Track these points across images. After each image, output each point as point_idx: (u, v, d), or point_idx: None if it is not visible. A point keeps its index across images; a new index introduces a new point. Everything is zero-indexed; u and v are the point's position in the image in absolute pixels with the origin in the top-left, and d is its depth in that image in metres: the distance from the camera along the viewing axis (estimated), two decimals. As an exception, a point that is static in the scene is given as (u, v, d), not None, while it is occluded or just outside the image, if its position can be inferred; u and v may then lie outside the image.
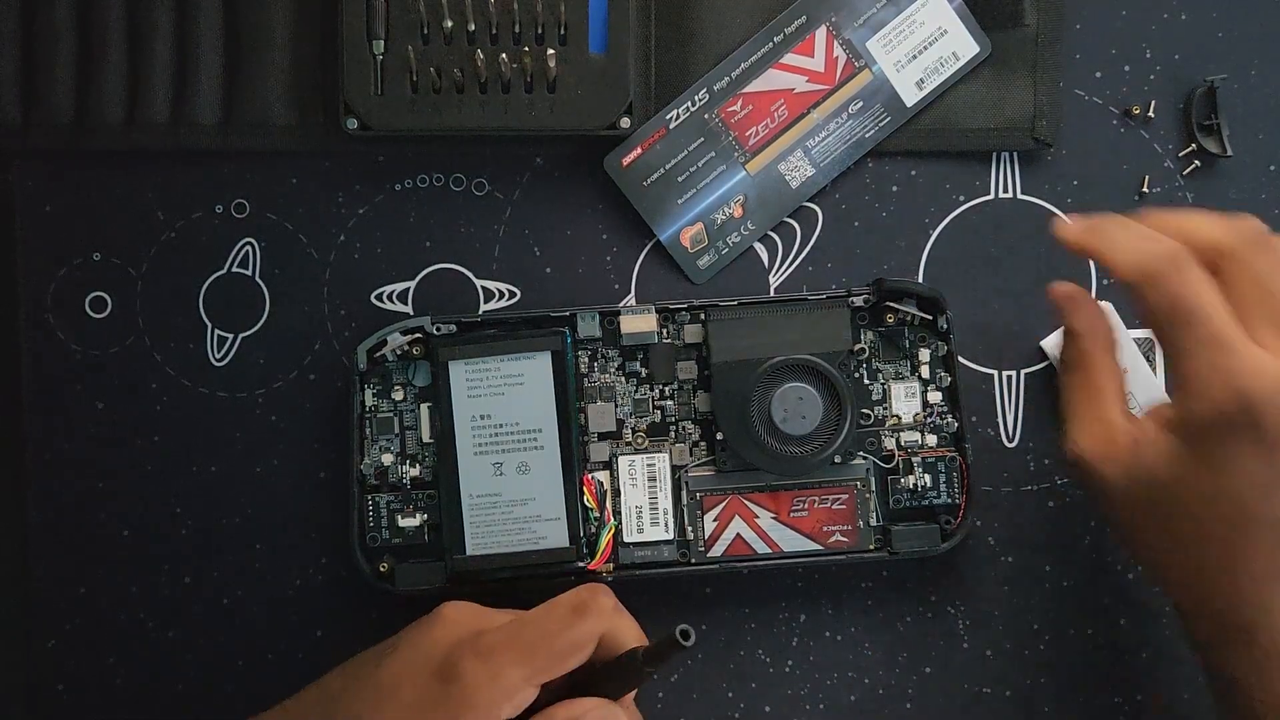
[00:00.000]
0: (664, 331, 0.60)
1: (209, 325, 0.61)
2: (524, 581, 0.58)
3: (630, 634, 0.54)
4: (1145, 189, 0.62)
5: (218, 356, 0.61)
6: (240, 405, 0.61)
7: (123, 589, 0.60)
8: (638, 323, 0.59)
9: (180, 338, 0.61)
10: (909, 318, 0.60)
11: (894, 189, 0.62)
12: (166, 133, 0.60)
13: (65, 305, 0.61)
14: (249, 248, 0.61)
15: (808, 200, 0.62)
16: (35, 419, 0.61)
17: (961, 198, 0.62)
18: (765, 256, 0.62)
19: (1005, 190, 0.62)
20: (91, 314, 0.61)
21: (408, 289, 0.62)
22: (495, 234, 0.62)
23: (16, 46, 0.60)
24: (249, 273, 0.61)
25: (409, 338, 0.59)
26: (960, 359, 0.61)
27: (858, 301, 0.59)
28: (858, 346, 0.60)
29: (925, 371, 0.60)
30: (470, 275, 0.62)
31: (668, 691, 0.62)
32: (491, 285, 0.62)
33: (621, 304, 0.61)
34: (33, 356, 0.61)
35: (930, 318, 0.60)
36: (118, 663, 0.61)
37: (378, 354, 0.59)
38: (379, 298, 0.61)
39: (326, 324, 0.61)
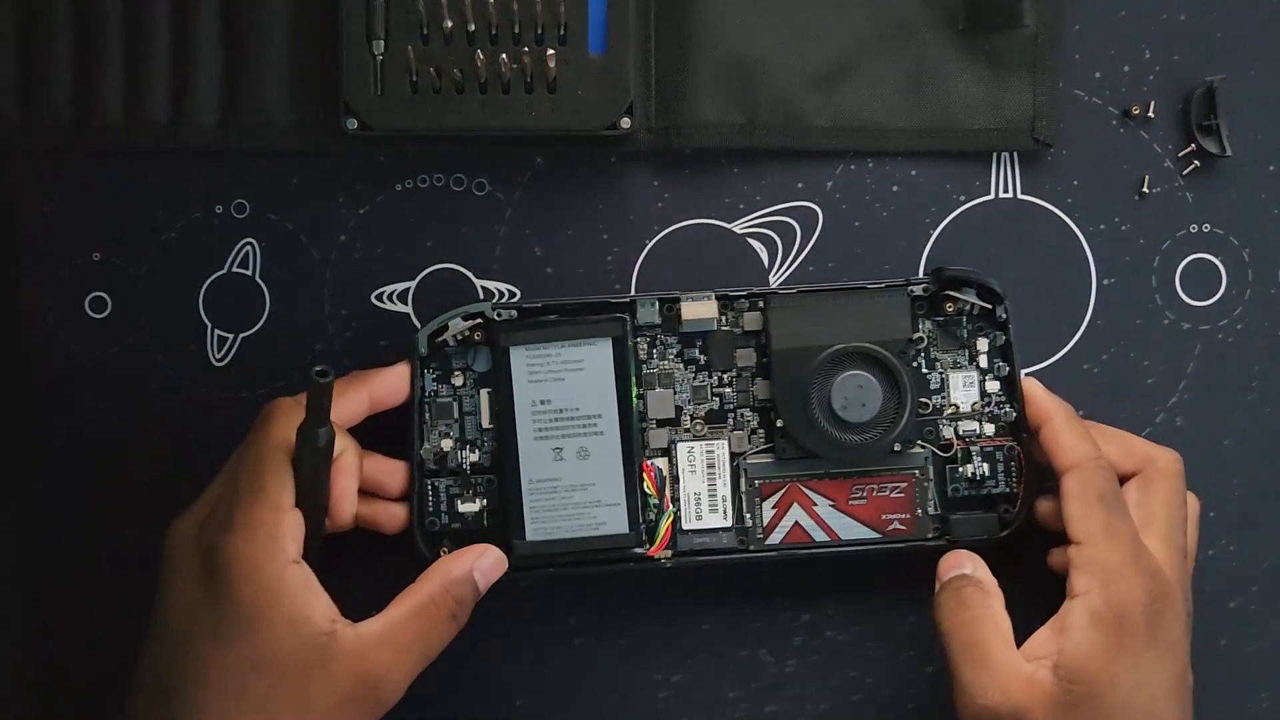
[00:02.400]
0: (723, 318, 0.60)
1: (209, 325, 0.61)
2: (583, 568, 0.58)
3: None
4: (1145, 189, 0.62)
5: (218, 356, 0.61)
6: (240, 405, 0.61)
7: (124, 590, 0.60)
8: (698, 309, 0.59)
9: (180, 338, 0.61)
10: (968, 307, 0.60)
11: (894, 189, 0.62)
12: (166, 132, 0.60)
13: (65, 305, 0.61)
14: (249, 248, 0.61)
15: (808, 200, 0.62)
16: (35, 419, 0.61)
17: (961, 198, 0.62)
18: (765, 256, 0.62)
19: (1005, 190, 0.62)
20: (91, 314, 0.61)
21: (408, 289, 0.61)
22: (495, 234, 0.62)
23: (16, 46, 0.60)
24: (249, 273, 0.61)
25: (470, 323, 0.59)
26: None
27: (917, 290, 0.59)
28: (916, 335, 0.60)
29: (983, 361, 0.60)
30: (470, 275, 0.62)
31: (669, 691, 0.62)
32: (491, 285, 0.62)
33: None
34: (33, 356, 0.61)
35: (989, 307, 0.60)
36: (119, 664, 0.60)
37: (439, 339, 0.59)
38: (379, 298, 0.61)
39: (326, 324, 0.61)
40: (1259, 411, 0.62)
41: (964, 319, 0.60)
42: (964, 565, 0.57)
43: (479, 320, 0.59)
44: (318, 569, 0.54)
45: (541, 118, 0.59)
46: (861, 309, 0.59)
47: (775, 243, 0.62)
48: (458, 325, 0.59)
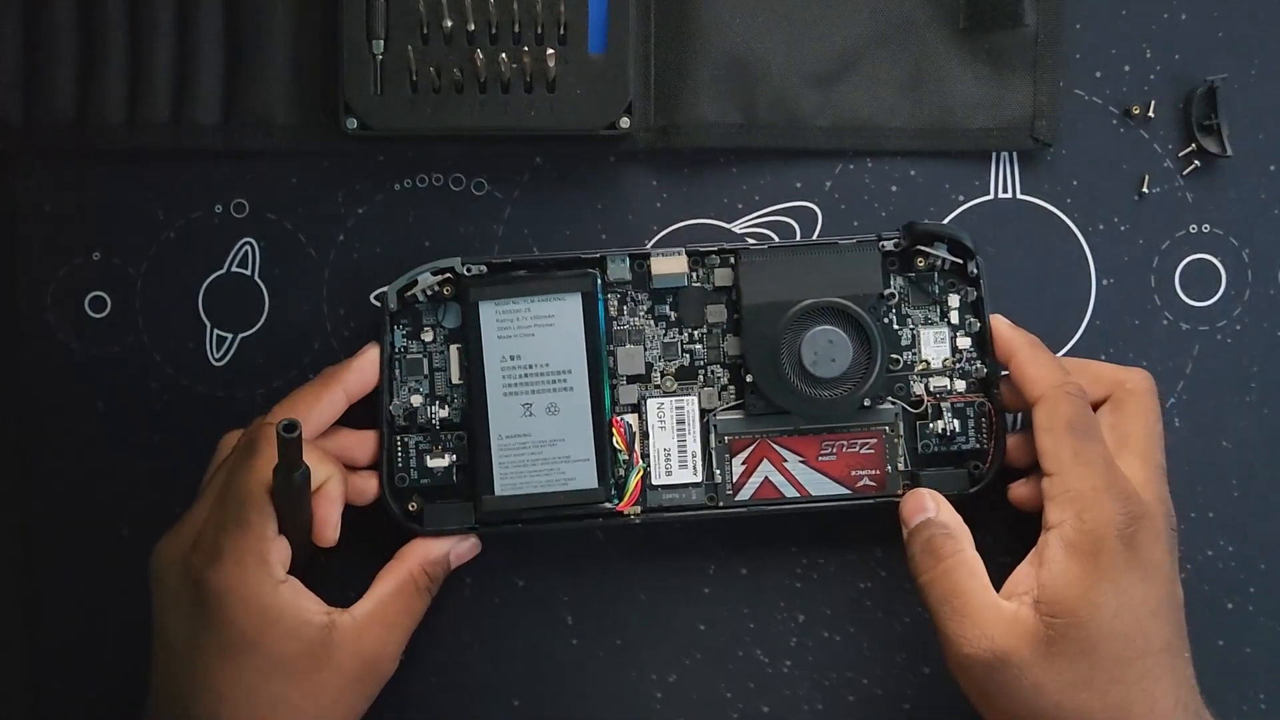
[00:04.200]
0: (694, 275, 0.60)
1: (209, 325, 0.61)
2: (552, 523, 0.58)
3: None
4: (1145, 189, 0.62)
5: (217, 356, 0.61)
6: (240, 405, 0.61)
7: (123, 588, 0.60)
8: (668, 264, 0.59)
9: (180, 338, 0.61)
10: (939, 262, 0.59)
11: (893, 189, 0.62)
12: (167, 132, 0.60)
13: (65, 305, 0.61)
14: (249, 248, 0.61)
15: (807, 200, 0.62)
16: (35, 419, 0.61)
17: (961, 198, 0.62)
18: (765, 256, 0.62)
19: (1005, 190, 0.62)
20: (91, 314, 0.61)
21: (407, 289, 0.62)
22: (495, 234, 0.62)
23: (17, 46, 0.60)
24: (249, 273, 0.61)
25: (439, 278, 0.59)
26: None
27: (888, 246, 0.59)
28: (887, 291, 0.60)
29: (955, 317, 0.60)
30: (470, 275, 0.62)
31: (666, 691, 0.62)
32: (491, 285, 0.62)
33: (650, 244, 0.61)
34: (33, 356, 0.61)
35: (960, 262, 0.59)
36: (118, 662, 0.61)
37: (408, 294, 0.59)
38: (379, 298, 0.61)
39: (326, 324, 0.61)
40: (1258, 412, 0.62)
41: (935, 275, 0.60)
42: (928, 508, 0.57)
43: (449, 275, 0.59)
44: (309, 578, 0.55)
45: (541, 117, 0.59)
46: (832, 264, 0.58)
47: (775, 243, 0.62)
48: (427, 280, 0.58)
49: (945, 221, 0.62)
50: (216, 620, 0.53)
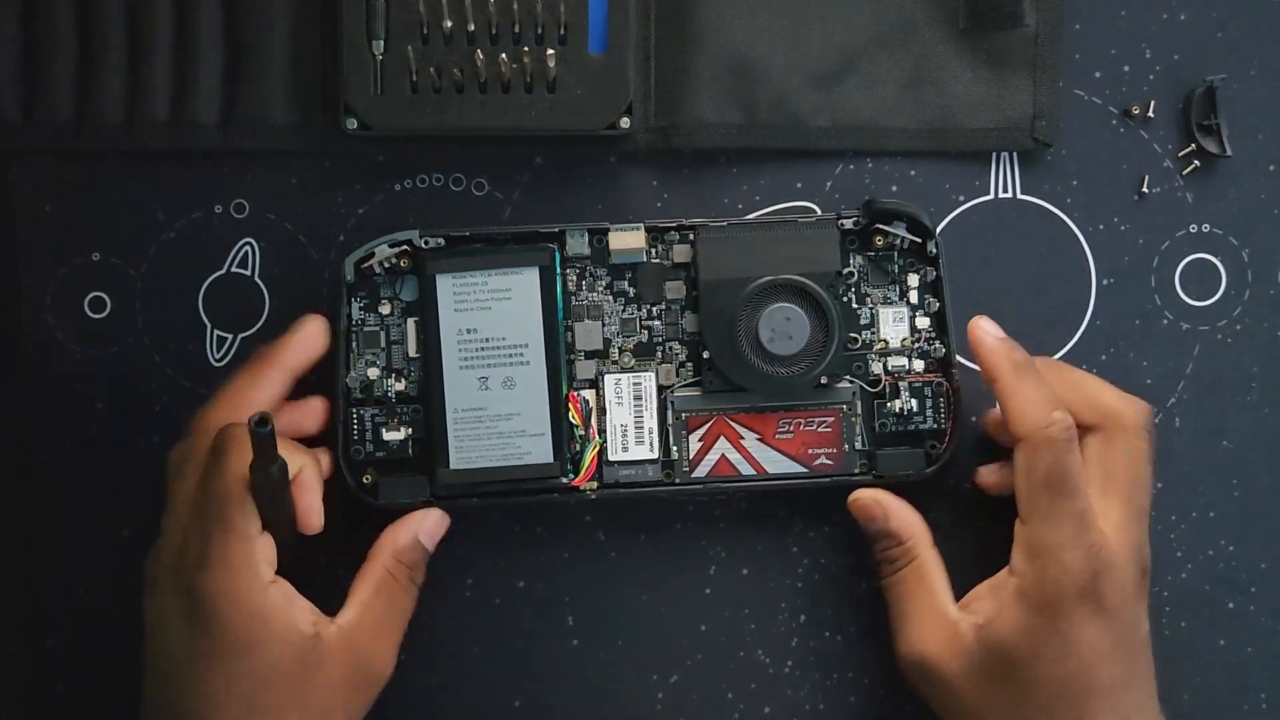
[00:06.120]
0: (653, 251, 0.60)
1: (209, 325, 0.61)
2: (507, 497, 0.58)
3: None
4: (1145, 189, 0.62)
5: (217, 357, 0.61)
6: (240, 405, 0.61)
7: (123, 588, 0.60)
8: (627, 239, 0.59)
9: (180, 338, 0.61)
10: (899, 241, 0.59)
11: (894, 189, 0.62)
12: (166, 132, 0.60)
13: (65, 305, 0.61)
14: (249, 248, 0.61)
15: (807, 200, 0.62)
16: (35, 419, 0.61)
17: (961, 198, 0.62)
18: (765, 256, 0.62)
19: (1005, 190, 0.62)
20: (91, 314, 0.61)
21: (407, 289, 0.61)
22: (495, 234, 0.62)
23: (17, 46, 0.60)
24: (249, 273, 0.61)
25: (397, 250, 0.58)
26: (958, 358, 0.60)
27: (847, 224, 0.59)
28: (846, 270, 0.60)
29: (914, 297, 0.60)
30: (470, 275, 0.62)
31: (667, 692, 0.62)
32: (491, 285, 0.62)
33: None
34: (33, 356, 0.61)
35: (919, 241, 0.59)
36: (118, 662, 0.60)
37: (365, 266, 0.58)
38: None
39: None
40: (1258, 412, 0.62)
41: (895, 254, 0.60)
42: (875, 518, 0.58)
43: (406, 248, 0.58)
44: (296, 574, 0.55)
45: (541, 118, 0.59)
46: (791, 242, 0.58)
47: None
48: (384, 252, 0.58)
49: (944, 222, 0.62)
50: (209, 625, 0.52)
